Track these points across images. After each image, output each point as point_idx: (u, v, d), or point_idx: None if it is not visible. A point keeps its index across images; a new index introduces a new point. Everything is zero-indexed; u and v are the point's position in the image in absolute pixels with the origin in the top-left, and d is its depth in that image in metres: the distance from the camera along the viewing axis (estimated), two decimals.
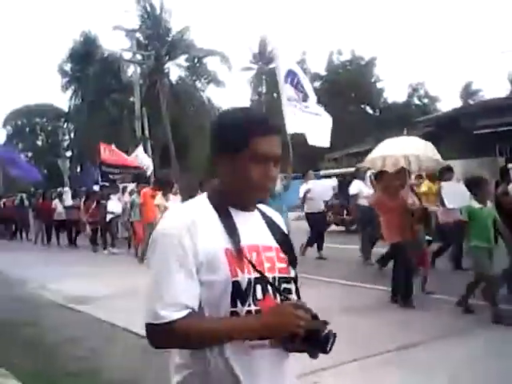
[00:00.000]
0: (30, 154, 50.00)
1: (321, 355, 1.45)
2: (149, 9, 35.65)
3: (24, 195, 21.32)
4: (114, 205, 14.77)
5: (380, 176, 7.51)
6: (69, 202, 16.69)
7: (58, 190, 19.78)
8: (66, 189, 17.66)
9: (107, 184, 15.94)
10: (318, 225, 11.19)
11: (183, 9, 60.64)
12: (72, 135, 46.85)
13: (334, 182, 13.98)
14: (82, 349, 5.65)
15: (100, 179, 16.29)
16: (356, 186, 10.61)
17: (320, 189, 11.49)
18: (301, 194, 11.11)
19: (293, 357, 1.55)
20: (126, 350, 5.60)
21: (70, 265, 12.30)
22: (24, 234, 21.04)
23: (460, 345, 5.14)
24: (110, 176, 15.98)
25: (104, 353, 5.53)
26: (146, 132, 29.60)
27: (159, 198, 10.09)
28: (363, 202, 9.98)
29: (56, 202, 17.07)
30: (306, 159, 27.49)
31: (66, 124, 47.72)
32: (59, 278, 10.14)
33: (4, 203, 21.29)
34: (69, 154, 45.87)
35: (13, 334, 6.38)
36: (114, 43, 64.87)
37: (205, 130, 36.93)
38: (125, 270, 10.87)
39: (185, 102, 35.31)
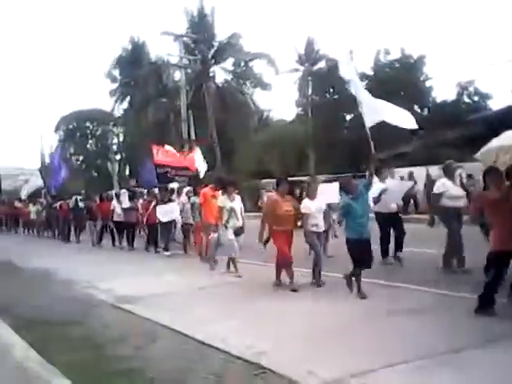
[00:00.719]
0: (80, 158, 51.37)
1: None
2: (196, 13, 36.03)
3: (79, 197, 21.23)
4: (169, 207, 14.23)
5: (490, 173, 6.50)
6: (126, 203, 16.23)
7: (114, 191, 19.79)
8: (124, 190, 17.10)
9: (159, 185, 15.94)
10: (393, 227, 10.27)
11: (230, 12, 61.50)
12: (120, 139, 47.84)
13: (409, 182, 13.47)
14: (129, 348, 5.69)
15: (156, 181, 16.17)
16: (442, 185, 9.15)
17: (397, 189, 10.48)
18: (375, 194, 9.83)
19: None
20: (171, 349, 5.60)
21: (121, 264, 12.63)
22: (76, 236, 20.59)
23: None
24: (166, 176, 15.94)
25: (150, 352, 5.54)
26: (192, 135, 29.94)
27: (224, 199, 9.90)
28: (448, 202, 9.00)
29: (114, 203, 16.73)
30: (351, 159, 27.11)
31: (114, 128, 48.77)
32: (110, 277, 10.32)
33: (60, 205, 21.09)
34: (118, 157, 46.84)
35: (63, 332, 6.48)
36: (162, 48, 66.35)
37: (249, 132, 37.12)
38: (174, 271, 10.98)
39: (230, 105, 35.45)
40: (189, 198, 13.80)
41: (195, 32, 34.85)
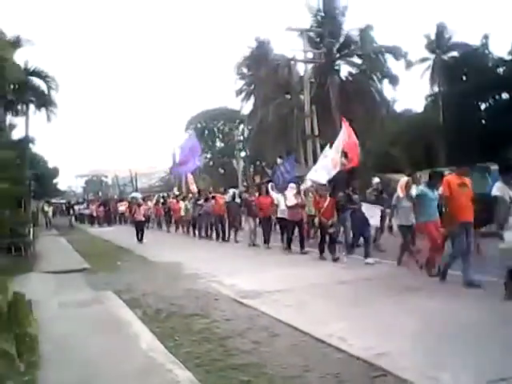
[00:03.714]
0: (208, 156, 53.51)
1: None
2: (321, 6, 35.67)
3: (236, 191, 19.78)
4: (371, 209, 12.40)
5: None
6: (291, 200, 13.79)
7: (269, 185, 17.45)
8: (292, 185, 14.39)
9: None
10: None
11: (356, 3, 60.42)
12: (246, 136, 49.00)
13: None
14: (249, 342, 5.72)
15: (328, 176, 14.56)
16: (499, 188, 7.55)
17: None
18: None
19: None
20: (290, 346, 5.54)
21: (252, 261, 12.72)
22: (234, 234, 18.02)
23: None
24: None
25: (269, 348, 5.52)
26: (316, 130, 29.70)
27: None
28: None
29: (279, 197, 14.87)
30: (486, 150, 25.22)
31: (240, 125, 50.08)
32: (236, 272, 10.51)
33: (216, 198, 18.78)
34: (242, 154, 48.05)
35: (186, 324, 6.69)
36: (287, 44, 66.71)
37: (376, 126, 36.09)
38: (301, 268, 10.88)
39: (355, 99, 34.70)
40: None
41: (320, 26, 34.53)
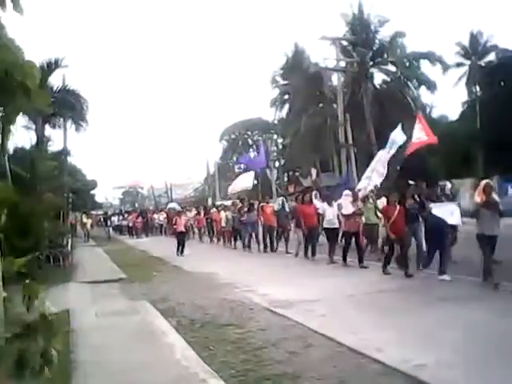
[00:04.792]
0: (242, 166, 53.72)
1: None
2: (356, 14, 35.57)
3: (284, 199, 18.39)
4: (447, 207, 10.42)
5: None
6: (349, 208, 12.58)
7: (314, 192, 17.26)
8: (348, 192, 13.56)
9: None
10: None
11: (389, 11, 60.10)
12: (280, 146, 49.10)
13: None
14: (283, 352, 5.67)
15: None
16: None
17: None
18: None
19: None
20: (325, 356, 5.46)
21: (286, 271, 12.56)
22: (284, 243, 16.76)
23: None
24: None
25: (304, 358, 5.46)
26: (350, 139, 29.51)
27: None
28: None
29: (324, 206, 13.92)
30: None
31: (274, 135, 50.18)
32: (273, 283, 10.42)
33: (262, 207, 17.85)
34: (276, 164, 48.08)
35: (220, 334, 6.68)
36: (321, 53, 66.59)
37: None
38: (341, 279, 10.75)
39: (390, 106, 34.37)
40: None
41: (354, 34, 34.43)
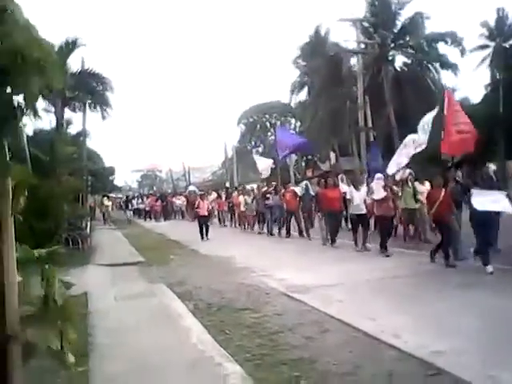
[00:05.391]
0: (260, 150, 53.63)
1: None
2: None
3: (307, 183, 17.86)
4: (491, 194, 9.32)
5: None
6: (380, 193, 11.92)
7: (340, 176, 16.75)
8: (380, 175, 12.71)
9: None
10: None
11: None
12: (297, 130, 48.78)
13: None
14: (300, 337, 5.64)
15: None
16: None
17: None
18: None
19: None
20: (341, 341, 5.43)
21: (305, 256, 12.54)
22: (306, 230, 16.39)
23: None
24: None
25: (320, 343, 5.44)
26: (369, 122, 29.16)
27: None
28: None
29: (350, 190, 13.09)
30: None
31: (292, 119, 49.86)
32: (286, 266, 10.46)
33: (286, 191, 17.64)
34: None
35: (237, 318, 6.67)
36: (340, 35, 65.63)
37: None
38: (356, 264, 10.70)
39: (410, 89, 33.83)
40: None
41: (374, 15, 33.84)
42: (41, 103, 24.87)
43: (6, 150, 2.14)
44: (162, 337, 5.79)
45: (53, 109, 24.33)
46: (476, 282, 7.81)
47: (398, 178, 13.65)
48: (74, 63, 26.83)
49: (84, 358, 5.04)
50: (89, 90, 27.34)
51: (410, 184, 12.95)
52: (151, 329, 6.17)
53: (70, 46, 24.82)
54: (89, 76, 27.18)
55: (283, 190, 18.11)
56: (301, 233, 16.54)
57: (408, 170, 13.70)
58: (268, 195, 18.65)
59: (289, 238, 16.76)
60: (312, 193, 16.29)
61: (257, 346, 5.39)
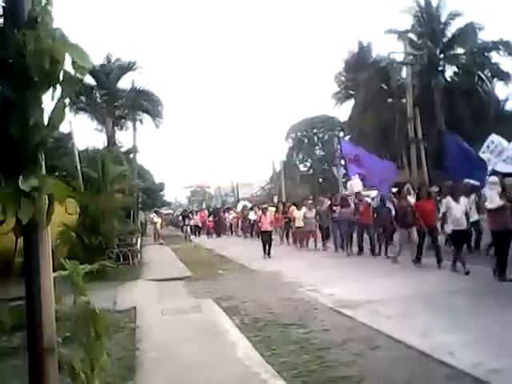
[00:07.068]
0: (308, 164, 53.45)
1: None
2: (424, 6, 34.48)
3: (382, 194, 15.21)
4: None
5: None
6: (496, 201, 9.67)
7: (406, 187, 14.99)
8: (494, 178, 10.88)
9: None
10: None
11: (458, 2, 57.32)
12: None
13: None
14: (348, 354, 5.50)
15: None
16: None
17: None
18: None
19: None
20: (392, 358, 5.25)
21: (353, 271, 12.16)
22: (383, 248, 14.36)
23: None
24: None
25: (369, 360, 5.28)
26: (419, 134, 28.56)
27: None
28: None
29: (448, 201, 10.91)
30: None
31: (341, 133, 49.46)
32: (336, 282, 10.20)
33: (357, 205, 15.75)
34: (342, 162, 47.38)
35: (283, 333, 6.57)
36: (387, 48, 65.11)
37: (485, 127, 34.06)
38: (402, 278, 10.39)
39: (461, 100, 33.04)
40: None
41: (422, 26, 33.33)
42: (92, 123, 25.82)
43: (43, 164, 2.15)
44: (207, 352, 5.75)
45: (104, 129, 25.15)
46: None
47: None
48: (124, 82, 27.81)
49: (131, 372, 5.06)
50: (139, 106, 28.12)
51: None
52: (197, 343, 6.13)
53: (128, 67, 25.79)
54: (139, 94, 27.95)
55: (356, 201, 15.88)
56: (373, 251, 14.57)
57: None
58: (334, 208, 16.78)
59: (360, 257, 14.75)
60: (389, 205, 14.34)
61: (304, 363, 5.27)
